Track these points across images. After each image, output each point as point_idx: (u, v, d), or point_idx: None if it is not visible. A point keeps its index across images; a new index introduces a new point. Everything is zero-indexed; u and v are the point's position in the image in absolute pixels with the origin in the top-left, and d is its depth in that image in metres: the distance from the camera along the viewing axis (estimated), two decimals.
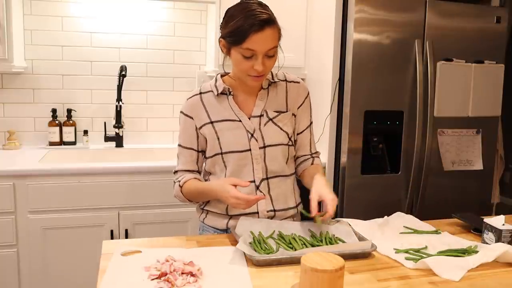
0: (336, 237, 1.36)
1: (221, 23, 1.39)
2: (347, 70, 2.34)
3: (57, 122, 2.66)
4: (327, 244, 1.29)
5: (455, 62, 2.44)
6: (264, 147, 1.45)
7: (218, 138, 1.44)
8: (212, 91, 1.48)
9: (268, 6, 1.36)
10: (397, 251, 1.30)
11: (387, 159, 2.46)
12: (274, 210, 1.48)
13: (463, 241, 1.39)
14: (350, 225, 1.42)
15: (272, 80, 1.49)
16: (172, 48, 2.83)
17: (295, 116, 1.52)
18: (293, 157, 1.56)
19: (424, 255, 1.26)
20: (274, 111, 1.47)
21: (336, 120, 2.44)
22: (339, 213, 2.34)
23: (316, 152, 1.60)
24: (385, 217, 1.55)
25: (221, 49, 1.41)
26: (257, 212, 1.45)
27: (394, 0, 2.32)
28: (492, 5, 2.71)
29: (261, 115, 1.46)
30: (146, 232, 2.28)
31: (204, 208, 1.53)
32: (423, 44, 2.38)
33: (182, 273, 1.09)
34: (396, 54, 2.36)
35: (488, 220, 1.39)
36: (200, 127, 1.47)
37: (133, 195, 2.26)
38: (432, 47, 2.38)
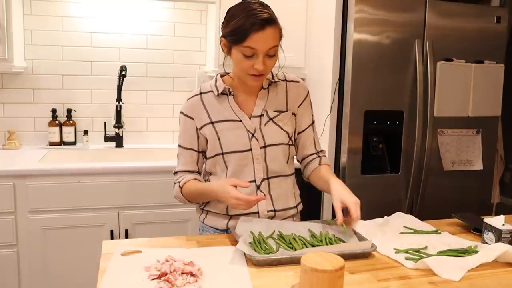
0: (336, 237, 1.36)
1: (222, 23, 1.39)
2: (347, 70, 2.34)
3: (57, 122, 2.66)
4: (327, 244, 1.29)
5: (455, 62, 2.44)
6: (265, 146, 1.45)
7: (219, 138, 1.44)
8: (212, 91, 1.48)
9: (269, 6, 1.36)
10: (397, 251, 1.30)
11: (387, 159, 2.46)
12: (275, 210, 1.48)
13: (463, 241, 1.39)
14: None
15: (272, 80, 1.49)
16: (172, 48, 2.83)
17: (295, 115, 1.52)
18: (293, 157, 1.56)
19: (424, 255, 1.26)
20: (275, 111, 1.47)
21: (336, 120, 2.44)
22: None
23: (322, 151, 1.59)
24: (385, 217, 1.55)
25: (222, 49, 1.41)
26: (258, 212, 1.45)
27: (394, 0, 2.32)
28: (492, 5, 2.71)
29: (261, 115, 1.46)
30: (146, 232, 2.28)
31: (204, 209, 1.53)
32: (423, 44, 2.39)
33: (182, 273, 1.09)
34: (396, 54, 2.36)
35: (488, 220, 1.39)
36: (201, 128, 1.46)
37: (133, 195, 2.26)
38: (432, 47, 2.38)
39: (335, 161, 2.46)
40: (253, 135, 1.44)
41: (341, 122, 2.41)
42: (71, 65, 2.69)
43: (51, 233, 2.17)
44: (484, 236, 1.39)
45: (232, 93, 1.46)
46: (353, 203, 1.31)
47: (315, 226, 1.41)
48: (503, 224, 1.35)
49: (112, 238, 2.23)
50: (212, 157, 1.48)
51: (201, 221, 1.55)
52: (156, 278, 1.09)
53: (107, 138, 2.73)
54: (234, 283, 1.08)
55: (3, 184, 2.08)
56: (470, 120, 2.52)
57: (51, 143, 2.66)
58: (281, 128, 1.47)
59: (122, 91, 2.66)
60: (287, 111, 1.50)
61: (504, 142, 2.81)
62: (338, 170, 2.43)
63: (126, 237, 2.26)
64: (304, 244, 1.30)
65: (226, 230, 1.48)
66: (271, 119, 1.46)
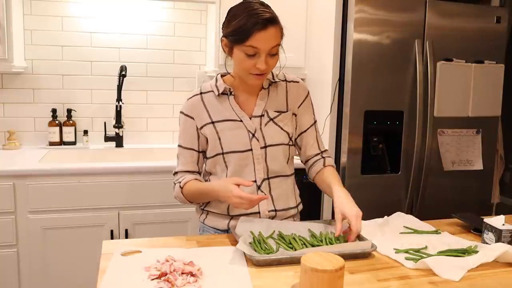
0: (336, 237, 1.35)
1: (223, 23, 1.39)
2: (347, 70, 2.34)
3: (57, 122, 2.66)
4: (327, 244, 1.29)
5: (455, 62, 2.44)
6: (265, 147, 1.45)
7: (219, 138, 1.44)
8: (212, 91, 1.47)
9: (269, 6, 1.37)
10: (397, 251, 1.30)
11: (387, 159, 2.46)
12: (275, 210, 1.48)
13: (463, 241, 1.39)
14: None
15: (272, 80, 1.49)
16: (172, 48, 2.83)
17: (295, 115, 1.52)
18: (293, 157, 1.56)
19: (424, 255, 1.26)
20: (275, 111, 1.47)
21: (336, 120, 2.44)
22: None
23: (326, 151, 1.58)
24: (385, 217, 1.55)
25: (223, 49, 1.41)
26: (259, 212, 1.45)
27: (394, 0, 2.32)
28: (492, 5, 2.71)
29: (262, 115, 1.46)
30: (146, 232, 2.28)
31: (204, 209, 1.53)
32: (423, 44, 2.39)
33: (182, 273, 1.09)
34: (396, 54, 2.36)
35: (488, 220, 1.39)
36: (201, 127, 1.46)
37: (133, 195, 2.26)
38: (432, 47, 2.38)
39: (335, 161, 2.45)
40: (253, 135, 1.44)
41: (341, 122, 2.41)
42: (71, 65, 2.69)
43: (51, 233, 2.17)
44: (484, 236, 1.39)
45: (232, 93, 1.46)
46: (354, 215, 1.29)
47: (315, 226, 1.41)
48: (503, 224, 1.35)
49: (112, 238, 2.23)
50: (212, 157, 1.48)
51: (201, 221, 1.55)
52: (156, 278, 1.09)
53: (107, 138, 2.73)
54: (234, 283, 1.08)
55: (3, 184, 2.08)
56: (470, 120, 2.52)
57: (51, 143, 2.66)
58: (282, 129, 1.47)
59: (122, 91, 2.66)
60: (287, 111, 1.50)
61: (504, 142, 2.81)
62: (338, 170, 2.41)
63: (126, 237, 2.26)
64: (304, 244, 1.30)
65: (227, 231, 1.48)
66: (271, 119, 1.46)
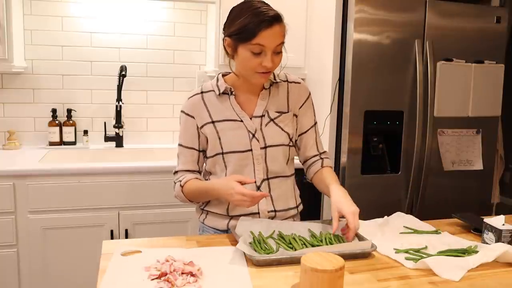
0: (336, 237, 1.36)
1: (225, 23, 1.39)
2: (347, 70, 2.34)
3: (57, 122, 2.66)
4: (327, 244, 1.29)
5: (455, 62, 2.44)
6: (265, 147, 1.45)
7: (219, 138, 1.44)
8: (213, 90, 1.47)
9: (270, 5, 1.37)
10: (397, 251, 1.30)
11: (387, 159, 2.46)
12: (275, 211, 1.48)
13: (463, 241, 1.39)
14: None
15: (274, 81, 1.49)
16: (172, 48, 2.83)
17: (296, 116, 1.52)
18: (293, 158, 1.56)
19: (424, 255, 1.26)
20: (276, 112, 1.47)
21: (336, 120, 2.44)
22: None
23: (324, 152, 1.58)
24: (385, 217, 1.55)
25: (225, 49, 1.40)
26: (258, 212, 1.45)
27: (394, 0, 2.32)
28: (492, 5, 2.71)
29: (262, 115, 1.46)
30: (146, 232, 2.28)
31: (204, 209, 1.53)
32: (423, 44, 2.39)
33: (182, 273, 1.09)
34: (396, 54, 2.36)
35: (488, 220, 1.39)
36: (201, 127, 1.46)
37: (133, 195, 2.26)
38: (432, 47, 2.38)
39: (335, 161, 2.45)
40: (253, 135, 1.44)
41: (341, 122, 2.41)
42: (71, 65, 2.69)
43: (51, 233, 2.17)
44: (484, 236, 1.39)
45: (233, 93, 1.46)
46: (351, 212, 1.29)
47: (315, 226, 1.41)
48: (503, 224, 1.35)
49: (112, 238, 2.23)
50: (212, 156, 1.48)
51: (201, 221, 1.55)
52: (156, 278, 1.09)
53: (107, 138, 2.73)
54: (234, 283, 1.08)
55: (3, 184, 2.08)
56: (470, 120, 2.52)
57: (51, 143, 2.66)
58: (282, 129, 1.47)
59: (122, 91, 2.66)
60: (288, 112, 1.50)
61: (504, 142, 2.81)
62: (338, 170, 2.43)
63: (126, 237, 2.26)
64: (304, 244, 1.30)
65: (226, 231, 1.47)
66: (272, 119, 1.46)
